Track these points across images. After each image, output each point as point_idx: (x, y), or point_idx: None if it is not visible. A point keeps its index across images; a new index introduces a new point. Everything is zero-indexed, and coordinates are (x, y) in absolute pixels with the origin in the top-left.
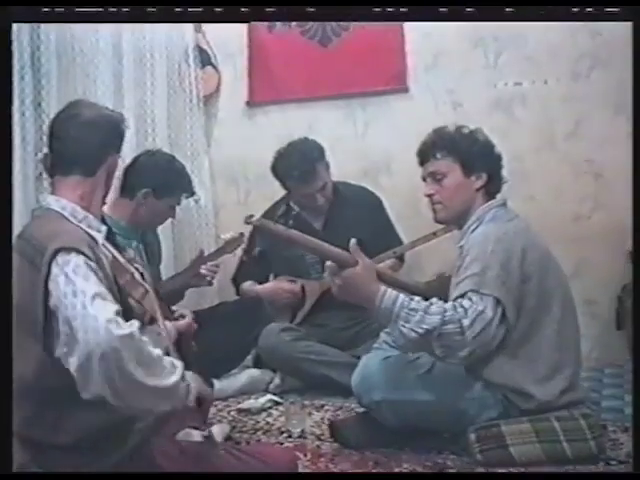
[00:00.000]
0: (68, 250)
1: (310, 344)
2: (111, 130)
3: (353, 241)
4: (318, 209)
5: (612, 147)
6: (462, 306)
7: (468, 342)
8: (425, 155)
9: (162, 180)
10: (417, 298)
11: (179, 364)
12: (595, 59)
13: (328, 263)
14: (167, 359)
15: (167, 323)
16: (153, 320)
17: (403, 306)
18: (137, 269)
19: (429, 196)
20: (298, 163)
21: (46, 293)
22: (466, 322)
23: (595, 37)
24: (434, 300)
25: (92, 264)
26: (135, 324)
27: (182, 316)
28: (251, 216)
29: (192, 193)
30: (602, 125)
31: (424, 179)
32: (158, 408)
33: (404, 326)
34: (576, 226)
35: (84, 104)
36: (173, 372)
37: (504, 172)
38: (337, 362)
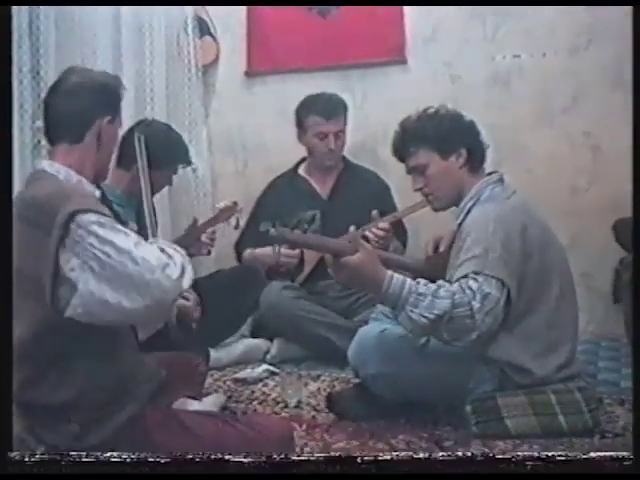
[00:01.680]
0: (84, 211)
1: (311, 304)
2: (98, 92)
3: (352, 229)
4: (327, 170)
5: (610, 120)
6: (470, 288)
7: (477, 325)
8: (400, 152)
9: (158, 151)
10: (424, 281)
11: (175, 254)
12: (593, 33)
13: (327, 256)
14: (172, 258)
15: None
16: None
17: (411, 291)
18: None
19: (418, 190)
20: (326, 99)
21: (57, 255)
22: (476, 305)
23: (593, 10)
24: (441, 283)
25: (111, 218)
26: (167, 249)
27: (186, 298)
28: (267, 229)
29: (189, 163)
30: (600, 98)
31: (409, 173)
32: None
33: (413, 311)
34: (573, 199)
35: (74, 71)
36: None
37: (483, 139)
38: (338, 325)
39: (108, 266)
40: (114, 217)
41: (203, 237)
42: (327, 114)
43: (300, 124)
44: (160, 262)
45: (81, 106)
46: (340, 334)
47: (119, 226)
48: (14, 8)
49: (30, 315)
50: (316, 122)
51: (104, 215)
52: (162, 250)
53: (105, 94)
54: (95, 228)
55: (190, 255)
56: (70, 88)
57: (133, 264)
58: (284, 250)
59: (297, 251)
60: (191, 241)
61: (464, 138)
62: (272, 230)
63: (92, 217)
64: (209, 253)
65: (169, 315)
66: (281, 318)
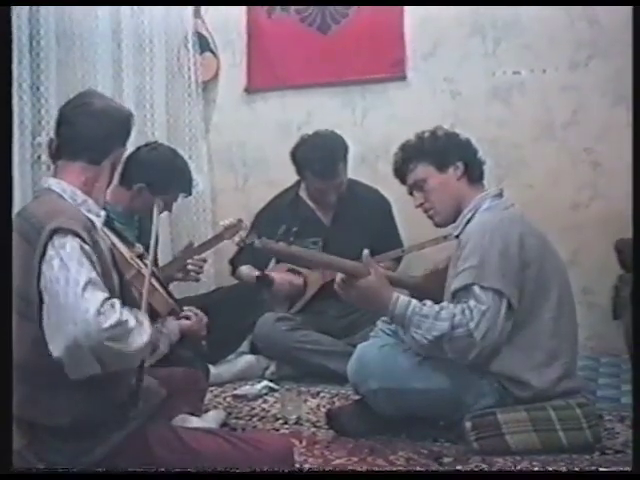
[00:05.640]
0: (65, 232)
1: (306, 333)
2: (120, 123)
3: (366, 252)
4: (326, 204)
5: (610, 136)
6: (469, 307)
7: (477, 343)
8: (401, 173)
9: (159, 178)
10: (429, 303)
11: (144, 320)
12: (593, 48)
13: (339, 276)
14: (136, 322)
15: (173, 322)
16: (157, 315)
17: (415, 312)
18: (146, 265)
19: (420, 206)
20: (321, 158)
21: (40, 273)
22: (472, 325)
23: (593, 26)
24: (444, 304)
25: (87, 248)
26: (117, 304)
27: (187, 318)
28: (252, 241)
29: (189, 193)
30: (600, 114)
31: (411, 193)
32: (133, 364)
33: (416, 332)
34: (574, 214)
35: (96, 94)
36: (143, 332)
37: (483, 156)
38: (333, 351)
39: (55, 292)
40: (116, 233)
41: (189, 263)
42: (324, 175)
43: (297, 169)
44: (96, 306)
45: (109, 130)
46: (336, 359)
47: (86, 259)
48: (14, 25)
49: (24, 333)
50: (313, 180)
51: (84, 242)
52: (110, 305)
53: (125, 125)
54: (62, 252)
55: (177, 280)
56: (99, 110)
57: (73, 296)
58: (288, 277)
59: (301, 280)
60: (181, 264)
61: (460, 152)
62: (257, 241)
63: (68, 240)
64: (197, 280)
65: (93, 363)
66: (275, 350)
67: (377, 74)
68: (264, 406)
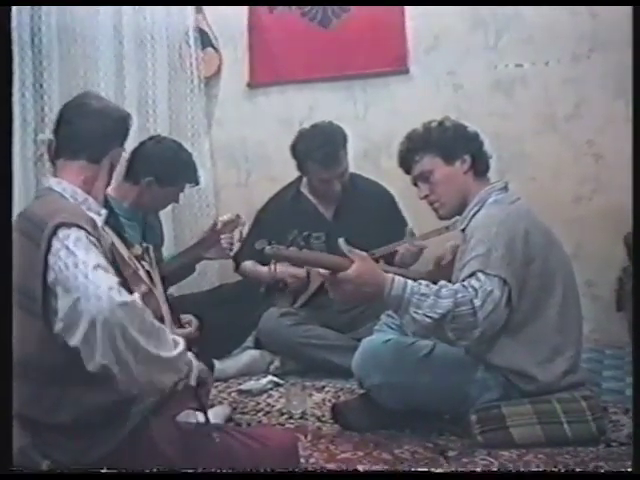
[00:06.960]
0: (69, 225)
1: (310, 328)
2: (119, 123)
3: (340, 241)
4: (330, 196)
5: (612, 128)
6: (472, 286)
7: (480, 322)
8: (406, 163)
9: (166, 170)
10: (425, 282)
11: (181, 340)
12: (595, 41)
13: (321, 271)
14: (169, 334)
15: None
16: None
17: (413, 292)
18: (143, 266)
19: (424, 198)
20: (322, 146)
21: (45, 269)
22: (477, 302)
23: (595, 18)
24: (443, 283)
25: (93, 239)
26: (137, 294)
27: (188, 322)
28: (263, 247)
29: (197, 183)
30: (602, 106)
31: (415, 184)
32: (161, 381)
33: (417, 312)
34: (576, 207)
35: (94, 96)
36: (176, 346)
37: (489, 150)
38: (338, 346)
39: (65, 278)
40: (116, 232)
41: (222, 241)
42: (326, 163)
43: (299, 163)
44: (108, 284)
45: (108, 129)
46: (341, 354)
47: (94, 247)
48: (15, 22)
49: (28, 331)
50: (316, 170)
51: (88, 233)
52: (119, 283)
53: (124, 125)
54: (68, 242)
55: (207, 259)
56: (98, 110)
57: (83, 277)
58: (291, 270)
59: (303, 270)
60: (208, 244)
61: (468, 145)
62: (268, 248)
63: (73, 232)
64: (229, 256)
65: (106, 349)
66: (280, 345)
67: (379, 68)
68: (269, 401)
